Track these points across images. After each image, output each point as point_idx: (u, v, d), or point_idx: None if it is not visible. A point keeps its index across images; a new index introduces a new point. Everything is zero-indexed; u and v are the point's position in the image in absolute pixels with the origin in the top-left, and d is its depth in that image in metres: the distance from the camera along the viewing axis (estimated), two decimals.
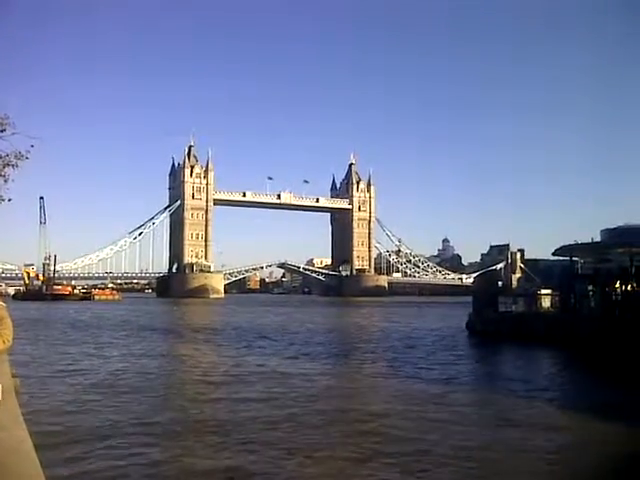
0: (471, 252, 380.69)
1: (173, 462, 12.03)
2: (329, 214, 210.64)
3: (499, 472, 11.84)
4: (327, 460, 12.14)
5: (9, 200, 9.61)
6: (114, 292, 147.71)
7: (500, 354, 35.04)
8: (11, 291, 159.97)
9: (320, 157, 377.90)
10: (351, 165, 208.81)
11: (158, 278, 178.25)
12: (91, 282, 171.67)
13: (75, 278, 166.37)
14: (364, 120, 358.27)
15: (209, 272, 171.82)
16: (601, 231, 44.47)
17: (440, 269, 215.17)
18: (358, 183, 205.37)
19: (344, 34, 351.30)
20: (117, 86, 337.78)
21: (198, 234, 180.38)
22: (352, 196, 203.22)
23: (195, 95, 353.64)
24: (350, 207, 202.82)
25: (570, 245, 42.50)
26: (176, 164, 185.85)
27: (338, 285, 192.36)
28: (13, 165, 9.13)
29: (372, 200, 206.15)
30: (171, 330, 48.82)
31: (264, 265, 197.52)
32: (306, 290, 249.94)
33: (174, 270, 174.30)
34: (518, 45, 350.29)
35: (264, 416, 15.61)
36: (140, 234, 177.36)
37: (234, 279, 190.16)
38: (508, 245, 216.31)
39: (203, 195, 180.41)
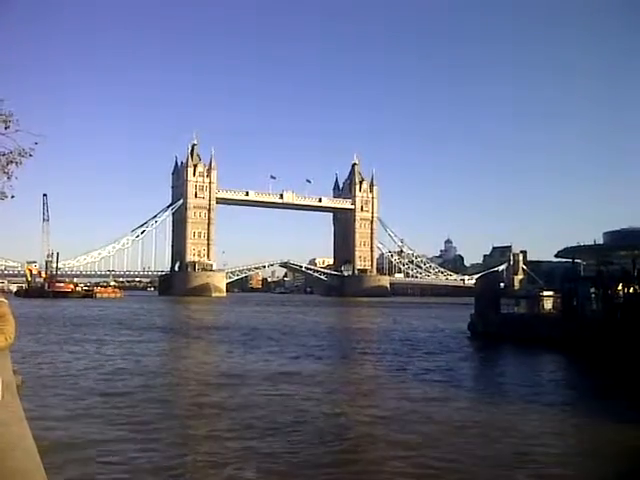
0: (473, 253, 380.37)
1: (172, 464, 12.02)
2: (332, 214, 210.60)
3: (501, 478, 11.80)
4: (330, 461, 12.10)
5: (12, 197, 9.62)
6: (116, 290, 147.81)
7: (502, 356, 34.97)
8: (13, 288, 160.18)
9: (323, 157, 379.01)
10: (354, 165, 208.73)
11: (160, 276, 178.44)
12: (93, 280, 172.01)
13: (77, 276, 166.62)
14: (367, 120, 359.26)
15: (211, 271, 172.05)
16: (604, 233, 44.28)
17: (442, 270, 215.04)
18: (361, 183, 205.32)
19: (347, 34, 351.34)
20: (120, 84, 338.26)
21: (200, 233, 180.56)
22: (355, 196, 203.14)
23: (198, 94, 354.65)
24: (353, 207, 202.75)
25: (573, 247, 42.42)
26: (179, 163, 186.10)
27: (340, 285, 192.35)
28: (17, 162, 9.14)
29: (375, 200, 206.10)
30: (172, 329, 48.87)
31: (266, 264, 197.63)
32: (308, 290, 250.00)
33: (176, 269, 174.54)
34: (519, 45, 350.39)
35: (267, 421, 15.41)
36: (142, 232, 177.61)
37: (236, 278, 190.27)
38: (510, 247, 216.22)
39: (206, 194, 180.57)
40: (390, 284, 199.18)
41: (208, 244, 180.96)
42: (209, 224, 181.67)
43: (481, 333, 41.53)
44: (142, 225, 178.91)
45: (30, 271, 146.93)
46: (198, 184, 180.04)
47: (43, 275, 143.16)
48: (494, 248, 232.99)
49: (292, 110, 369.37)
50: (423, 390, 20.17)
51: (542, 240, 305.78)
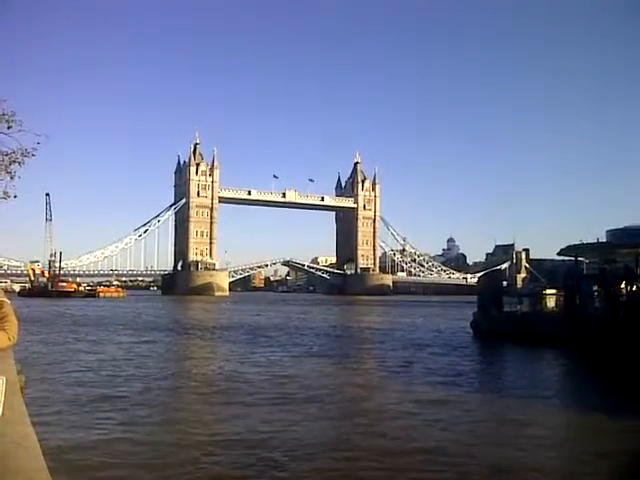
0: (476, 251, 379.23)
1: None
2: (334, 213, 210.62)
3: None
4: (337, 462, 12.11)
5: (15, 197, 9.65)
6: (119, 289, 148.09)
7: (505, 355, 34.94)
8: (16, 288, 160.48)
9: (325, 156, 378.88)
10: (356, 164, 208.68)
11: (163, 276, 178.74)
12: (96, 279, 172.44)
13: (80, 275, 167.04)
14: (369, 119, 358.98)
15: (214, 270, 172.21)
16: (607, 231, 44.32)
17: (445, 268, 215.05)
18: (363, 182, 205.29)
19: (348, 32, 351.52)
20: (121, 83, 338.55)
21: (203, 232, 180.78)
22: (357, 195, 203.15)
23: (200, 93, 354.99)
24: (355, 206, 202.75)
25: (575, 245, 42.29)
26: (182, 162, 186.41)
27: (342, 284, 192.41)
28: (19, 162, 9.18)
29: (377, 199, 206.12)
30: (175, 329, 48.87)
31: (269, 263, 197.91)
32: (310, 288, 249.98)
33: (179, 268, 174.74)
34: (520, 43, 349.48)
35: (273, 420, 15.41)
36: (145, 232, 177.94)
37: (239, 277, 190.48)
38: (513, 245, 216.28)
39: (208, 193, 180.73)
40: (393, 283, 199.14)
41: (211, 243, 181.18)
42: (212, 223, 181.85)
43: (484, 331, 41.46)
44: (145, 224, 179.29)
45: (33, 271, 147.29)
46: (201, 183, 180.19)
47: (46, 275, 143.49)
48: (497, 246, 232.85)
49: (294, 109, 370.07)
50: (426, 390, 20.07)
51: (545, 238, 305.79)
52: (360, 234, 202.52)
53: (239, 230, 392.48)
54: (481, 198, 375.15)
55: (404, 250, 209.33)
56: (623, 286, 38.61)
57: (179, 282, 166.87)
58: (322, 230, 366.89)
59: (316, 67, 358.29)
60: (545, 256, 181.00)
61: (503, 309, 43.11)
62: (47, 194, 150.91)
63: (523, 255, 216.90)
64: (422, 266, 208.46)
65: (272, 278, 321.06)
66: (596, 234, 43.73)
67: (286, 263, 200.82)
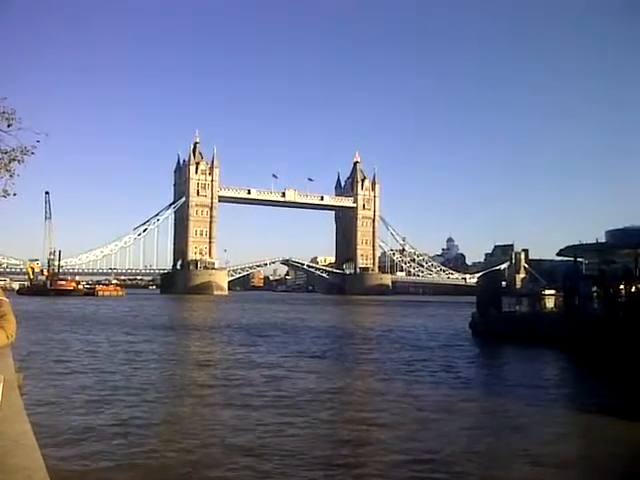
0: (475, 252, 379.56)
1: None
2: (333, 212, 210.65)
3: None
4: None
5: (14, 195, 9.63)
6: (118, 288, 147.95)
7: (504, 355, 34.93)
8: (15, 286, 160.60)
9: (325, 155, 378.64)
10: (356, 163, 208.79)
11: (162, 275, 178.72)
12: (95, 278, 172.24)
13: (79, 274, 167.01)
14: (369, 119, 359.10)
15: (213, 269, 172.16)
16: (606, 232, 44.20)
17: (444, 268, 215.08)
18: (363, 181, 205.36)
19: (348, 33, 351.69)
20: (122, 82, 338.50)
21: (202, 231, 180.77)
22: (357, 194, 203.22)
23: (200, 92, 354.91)
24: (355, 205, 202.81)
25: (575, 245, 42.31)
26: (181, 161, 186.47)
27: (342, 283, 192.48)
28: (19, 160, 9.16)
29: (377, 199, 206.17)
30: (172, 328, 48.87)
31: (268, 262, 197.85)
32: (310, 288, 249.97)
33: (178, 267, 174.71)
34: (519, 45, 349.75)
35: (268, 424, 15.30)
36: (145, 230, 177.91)
37: (238, 276, 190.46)
38: (512, 245, 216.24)
39: (208, 192, 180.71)
40: (392, 282, 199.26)
41: (210, 242, 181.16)
42: (211, 222, 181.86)
43: (483, 332, 41.47)
44: (144, 223, 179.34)
45: (32, 269, 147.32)
46: (200, 182, 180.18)
47: (45, 273, 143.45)
48: (496, 247, 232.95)
49: (294, 109, 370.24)
50: (424, 392, 19.96)
51: (544, 239, 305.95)
52: (359, 234, 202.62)
53: (238, 229, 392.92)
54: (480, 199, 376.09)
55: (403, 250, 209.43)
56: (622, 287, 38.65)
57: (178, 281, 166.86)
58: (321, 230, 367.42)
59: (316, 67, 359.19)
60: (544, 256, 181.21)
61: (502, 309, 43.15)
62: (47, 192, 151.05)
63: (522, 255, 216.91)
64: (421, 266, 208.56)
65: (271, 277, 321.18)
66: (595, 235, 43.61)
67: (285, 262, 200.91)
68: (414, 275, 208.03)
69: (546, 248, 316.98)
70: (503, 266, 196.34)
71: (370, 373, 25.10)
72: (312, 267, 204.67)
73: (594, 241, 41.97)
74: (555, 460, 12.50)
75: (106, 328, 45.43)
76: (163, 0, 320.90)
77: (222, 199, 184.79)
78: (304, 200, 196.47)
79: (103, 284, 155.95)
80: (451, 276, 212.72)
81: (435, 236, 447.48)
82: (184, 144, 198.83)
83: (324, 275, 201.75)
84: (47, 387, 19.14)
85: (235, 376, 22.65)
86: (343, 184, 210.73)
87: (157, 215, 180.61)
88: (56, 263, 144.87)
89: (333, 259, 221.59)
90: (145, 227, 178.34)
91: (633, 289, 37.97)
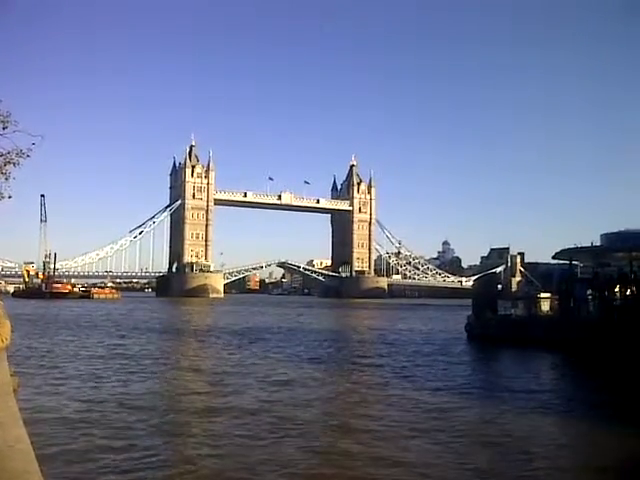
0: (471, 255, 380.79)
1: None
2: (329, 215, 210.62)
3: None
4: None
5: (10, 197, 9.60)
6: (113, 291, 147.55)
7: (499, 359, 34.97)
8: (10, 289, 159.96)
9: (321, 158, 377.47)
10: (352, 166, 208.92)
11: (158, 277, 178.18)
12: (91, 281, 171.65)
13: (75, 276, 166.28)
14: (365, 121, 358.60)
15: (209, 272, 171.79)
16: (601, 235, 44.31)
17: (440, 272, 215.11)
18: (359, 184, 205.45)
19: (345, 34, 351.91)
20: (119, 84, 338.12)
21: (198, 234, 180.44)
22: (353, 197, 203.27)
23: (197, 95, 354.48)
24: (351, 208, 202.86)
25: (570, 249, 42.44)
26: (177, 164, 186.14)
27: (338, 286, 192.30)
28: (14, 163, 9.14)
29: (373, 202, 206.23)
30: (167, 332, 48.73)
31: (264, 264, 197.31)
32: (306, 291, 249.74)
33: (174, 270, 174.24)
34: (519, 46, 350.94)
35: (258, 432, 15.14)
36: (140, 233, 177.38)
37: (234, 278, 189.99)
38: (508, 248, 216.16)
39: (204, 195, 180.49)
40: (388, 285, 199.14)
41: (206, 245, 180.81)
42: (207, 225, 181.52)
43: (478, 335, 41.54)
44: (140, 226, 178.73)
45: (28, 272, 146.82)
46: (196, 185, 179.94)
47: (41, 276, 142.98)
48: (492, 250, 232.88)
49: (290, 111, 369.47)
50: (418, 398, 19.77)
51: (540, 242, 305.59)
52: (355, 237, 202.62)
53: (234, 232, 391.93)
54: (476, 201, 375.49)
55: (399, 253, 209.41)
56: (617, 290, 38.81)
57: (174, 284, 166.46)
58: (317, 233, 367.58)
59: (313, 70, 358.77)
60: (540, 260, 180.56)
61: (498, 312, 43.23)
62: (42, 195, 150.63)
63: (518, 259, 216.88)
64: (417, 269, 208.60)
65: (267, 280, 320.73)
66: (591, 238, 43.69)
67: (281, 265, 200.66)
68: (410, 278, 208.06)
69: (542, 251, 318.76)
70: (499, 269, 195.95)
71: (365, 378, 25.03)
72: (308, 270, 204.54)
73: (589, 244, 42.13)
74: (550, 469, 12.51)
75: (101, 331, 45.32)
76: (162, 2, 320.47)
77: (218, 202, 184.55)
78: (300, 203, 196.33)
79: (99, 287, 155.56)
80: (447, 279, 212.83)
81: (431, 239, 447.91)
82: (180, 147, 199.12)
83: (320, 278, 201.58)
84: (42, 392, 19.08)
85: (230, 383, 22.62)
86: (339, 187, 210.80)
87: (153, 218, 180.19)
88: (52, 266, 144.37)
89: (329, 262, 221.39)
90: (141, 230, 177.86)
91: (628, 292, 38.15)
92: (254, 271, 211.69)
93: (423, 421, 16.24)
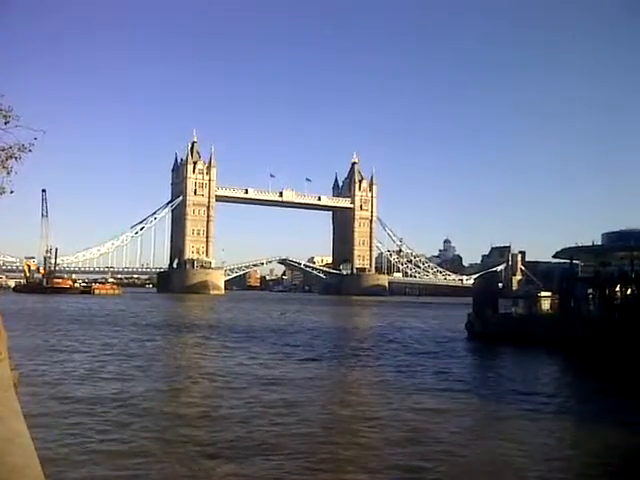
0: (472, 253, 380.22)
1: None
2: (331, 213, 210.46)
3: None
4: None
5: (11, 192, 9.60)
6: (114, 287, 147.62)
7: (499, 357, 34.94)
8: (11, 283, 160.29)
9: (323, 156, 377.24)
10: (354, 164, 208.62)
11: (159, 273, 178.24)
12: (92, 276, 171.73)
13: (76, 272, 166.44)
14: (367, 119, 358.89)
15: (210, 268, 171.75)
16: (602, 234, 44.26)
17: (441, 270, 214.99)
18: (360, 182, 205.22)
19: (347, 33, 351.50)
20: (121, 82, 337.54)
21: (199, 230, 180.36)
22: (354, 195, 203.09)
23: (199, 92, 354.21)
24: (352, 206, 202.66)
25: (571, 248, 42.40)
26: (179, 160, 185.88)
27: (338, 284, 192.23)
28: (16, 157, 9.13)
29: (374, 199, 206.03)
30: (167, 327, 48.74)
31: (264, 261, 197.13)
32: (306, 288, 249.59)
33: (175, 266, 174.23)
34: (519, 47, 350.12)
35: (255, 432, 15.10)
36: (142, 229, 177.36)
37: (234, 275, 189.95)
38: (509, 247, 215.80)
39: (205, 191, 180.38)
40: (388, 283, 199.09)
41: (207, 241, 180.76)
42: (208, 221, 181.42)
43: (478, 333, 41.54)
44: (141, 222, 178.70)
45: (29, 267, 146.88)
46: (198, 181, 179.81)
47: (41, 271, 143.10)
48: (493, 248, 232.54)
49: (292, 109, 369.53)
50: (419, 397, 19.69)
51: (541, 241, 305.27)
52: (356, 234, 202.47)
53: (235, 229, 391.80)
54: (477, 200, 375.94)
55: (400, 251, 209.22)
56: (618, 289, 38.75)
57: (175, 280, 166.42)
58: (319, 230, 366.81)
59: (315, 68, 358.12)
60: (541, 258, 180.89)
61: (498, 311, 43.21)
62: (43, 190, 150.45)
63: (519, 257, 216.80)
64: (418, 267, 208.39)
65: (268, 277, 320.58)
66: (592, 237, 43.64)
67: (282, 261, 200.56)
68: (411, 276, 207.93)
69: (543, 250, 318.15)
70: (499, 268, 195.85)
71: (366, 375, 25.07)
72: (309, 267, 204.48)
73: (590, 243, 42.07)
74: (550, 469, 12.51)
75: (100, 328, 45.33)
76: (162, 2, 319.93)
77: (219, 198, 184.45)
78: (301, 200, 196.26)
79: (100, 282, 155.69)
80: (448, 277, 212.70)
81: (432, 237, 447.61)
82: (182, 143, 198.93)
83: (321, 275, 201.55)
84: (42, 386, 19.11)
85: (230, 383, 22.63)
86: (341, 185, 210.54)
87: (154, 214, 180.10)
88: (52, 261, 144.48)
89: (330, 259, 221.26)
90: (142, 226, 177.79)
91: (628, 291, 38.10)
92: (255, 268, 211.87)
93: (420, 419, 16.27)
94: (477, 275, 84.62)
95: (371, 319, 68.55)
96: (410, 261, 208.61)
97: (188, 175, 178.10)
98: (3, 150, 9.11)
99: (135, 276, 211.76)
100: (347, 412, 17.39)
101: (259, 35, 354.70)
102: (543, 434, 14.98)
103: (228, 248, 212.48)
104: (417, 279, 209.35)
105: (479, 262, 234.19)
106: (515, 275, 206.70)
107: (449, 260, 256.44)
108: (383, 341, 39.45)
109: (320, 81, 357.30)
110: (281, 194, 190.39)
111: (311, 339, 39.64)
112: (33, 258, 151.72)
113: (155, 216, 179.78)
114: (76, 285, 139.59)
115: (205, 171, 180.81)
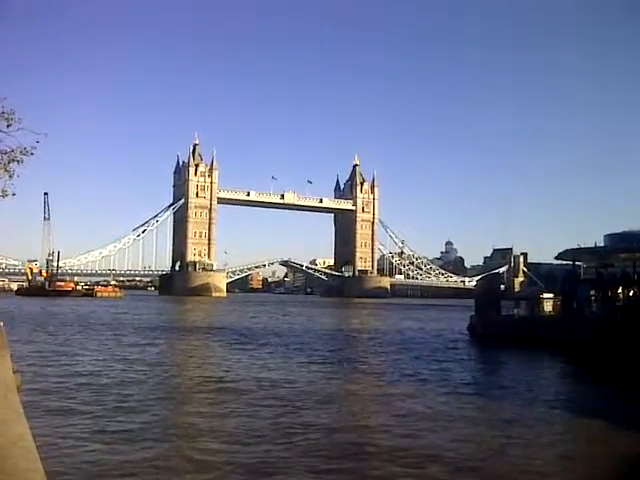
0: (474, 255, 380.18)
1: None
2: (333, 215, 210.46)
3: None
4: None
5: (14, 195, 9.63)
6: (116, 289, 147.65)
7: (502, 359, 34.86)
8: (14, 286, 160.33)
9: (324, 158, 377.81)
10: (355, 166, 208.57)
11: (161, 276, 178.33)
12: (94, 279, 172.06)
13: (78, 275, 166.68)
14: (369, 121, 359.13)
15: (212, 271, 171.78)
16: (605, 236, 44.17)
17: (443, 272, 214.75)
18: (362, 184, 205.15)
19: (348, 35, 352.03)
20: (122, 84, 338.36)
21: (201, 232, 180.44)
22: (356, 197, 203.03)
23: (200, 94, 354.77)
24: (354, 208, 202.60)
25: (573, 249, 42.33)
26: (181, 162, 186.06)
27: (340, 286, 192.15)
28: (18, 160, 9.16)
29: (376, 201, 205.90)
30: (169, 330, 48.73)
31: (266, 263, 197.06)
32: (308, 290, 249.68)
33: (177, 268, 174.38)
34: (519, 48, 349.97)
35: (257, 432, 15.13)
36: (144, 232, 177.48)
37: (236, 277, 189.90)
38: (511, 249, 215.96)
39: (207, 194, 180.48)
40: (390, 285, 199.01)
41: (209, 244, 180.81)
42: (210, 224, 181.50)
43: (481, 335, 41.49)
44: (143, 224, 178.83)
45: (31, 270, 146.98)
46: (199, 184, 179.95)
47: (44, 274, 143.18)
48: (495, 250, 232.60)
49: (294, 111, 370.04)
50: (422, 400, 19.69)
51: (543, 242, 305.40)
52: (358, 236, 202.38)
53: (237, 231, 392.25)
54: (479, 202, 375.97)
55: (402, 253, 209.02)
56: (620, 291, 38.68)
57: (177, 282, 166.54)
58: (320, 232, 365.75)
59: (316, 70, 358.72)
60: (543, 260, 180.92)
61: (500, 313, 43.16)
62: (45, 193, 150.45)
63: (521, 259, 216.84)
64: (420, 269, 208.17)
65: (270, 279, 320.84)
66: (594, 239, 43.57)
67: (284, 263, 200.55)
68: (413, 278, 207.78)
69: (545, 252, 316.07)
70: (502, 270, 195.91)
71: (368, 378, 25.01)
72: (311, 269, 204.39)
73: (593, 245, 42.02)
74: (552, 468, 12.48)
75: (103, 330, 45.33)
76: (163, 1, 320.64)
77: (221, 201, 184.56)
78: (303, 202, 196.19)
79: (102, 285, 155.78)
80: (450, 279, 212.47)
81: (434, 239, 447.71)
82: (183, 146, 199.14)
83: (323, 277, 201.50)
84: (44, 390, 19.12)
85: (230, 382, 22.61)
86: (342, 187, 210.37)
87: (156, 216, 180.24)
88: (55, 264, 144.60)
89: (332, 261, 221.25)
90: (144, 228, 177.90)
91: (631, 293, 38.04)
92: (257, 270, 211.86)
93: (423, 420, 16.24)
94: (479, 277, 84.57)
95: (373, 321, 68.48)
96: (412, 263, 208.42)
97: (190, 177, 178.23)
98: (5, 153, 9.14)
99: (137, 279, 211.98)
100: (350, 418, 17.34)
101: (259, 36, 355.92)
102: (548, 438, 14.93)
103: (230, 250, 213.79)
104: (419, 281, 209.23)
105: (481, 264, 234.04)
106: (517, 277, 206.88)
107: (451, 262, 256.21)
108: (386, 344, 39.40)
109: (321, 82, 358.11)
110: (283, 196, 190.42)
111: (313, 342, 39.61)
112: (35, 261, 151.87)
113: (157, 219, 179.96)
114: (78, 288, 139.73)
115: (207, 173, 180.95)
